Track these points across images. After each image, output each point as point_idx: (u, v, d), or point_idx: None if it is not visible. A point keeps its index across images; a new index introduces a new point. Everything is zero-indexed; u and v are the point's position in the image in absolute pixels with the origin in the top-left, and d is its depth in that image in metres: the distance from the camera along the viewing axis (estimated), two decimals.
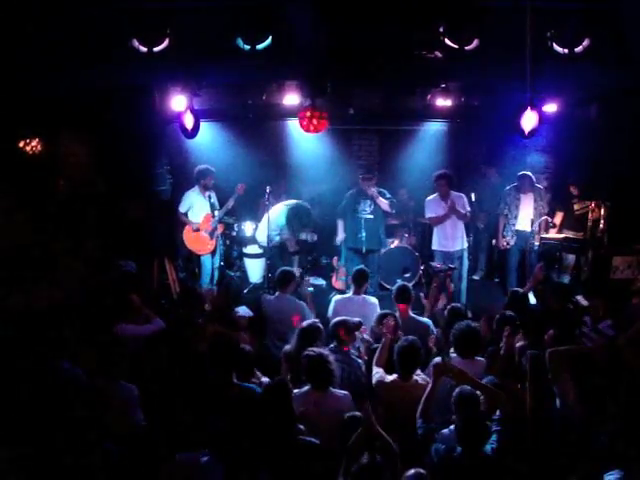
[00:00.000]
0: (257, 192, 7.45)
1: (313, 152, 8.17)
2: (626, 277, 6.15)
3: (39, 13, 4.92)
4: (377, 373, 4.04)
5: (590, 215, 6.86)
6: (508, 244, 7.23)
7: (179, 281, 7.40)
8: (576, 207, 7.12)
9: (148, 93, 6.98)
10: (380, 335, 4.53)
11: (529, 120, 5.22)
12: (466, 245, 6.77)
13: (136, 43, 5.32)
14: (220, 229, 7.06)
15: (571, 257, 7.18)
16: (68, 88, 5.82)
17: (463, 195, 6.75)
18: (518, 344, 4.29)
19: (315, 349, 3.93)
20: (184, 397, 3.59)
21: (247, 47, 5.31)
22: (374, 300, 5.51)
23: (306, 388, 3.83)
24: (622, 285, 5.89)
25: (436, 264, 6.93)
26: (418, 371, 4.03)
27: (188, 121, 5.66)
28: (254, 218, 7.74)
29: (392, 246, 7.64)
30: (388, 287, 7.34)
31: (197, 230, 6.98)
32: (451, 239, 6.85)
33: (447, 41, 5.30)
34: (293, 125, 7.44)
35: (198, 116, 5.71)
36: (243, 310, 6.10)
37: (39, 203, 6.00)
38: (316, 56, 5.44)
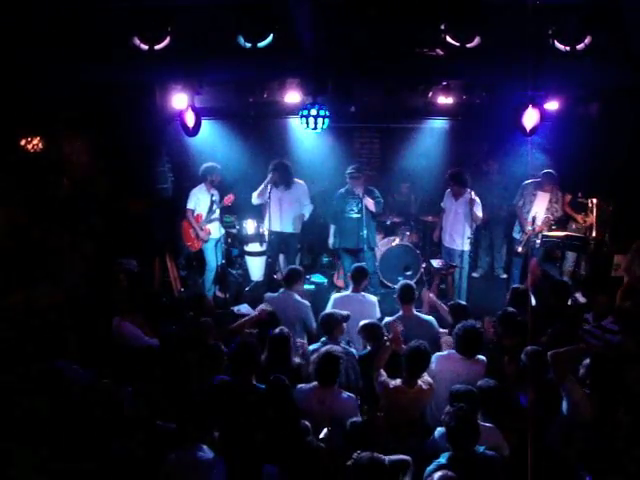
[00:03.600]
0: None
1: (314, 150, 8.16)
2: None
3: (40, 12, 4.92)
4: (380, 376, 4.03)
5: (586, 216, 6.88)
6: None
7: (180, 279, 7.41)
8: (579, 195, 7.14)
9: (149, 91, 6.99)
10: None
11: (530, 118, 5.22)
12: (467, 248, 6.73)
13: (137, 41, 5.32)
14: (206, 232, 7.02)
15: (571, 256, 7.17)
16: (69, 87, 5.83)
17: (476, 199, 6.64)
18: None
19: (327, 347, 3.99)
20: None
21: (248, 45, 5.31)
22: (373, 298, 5.52)
23: (313, 384, 3.88)
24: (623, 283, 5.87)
25: (437, 262, 6.94)
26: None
27: (189, 119, 5.66)
28: (255, 216, 7.74)
29: (393, 244, 7.64)
30: (389, 285, 7.35)
31: (196, 235, 7.00)
32: (448, 235, 6.89)
33: (448, 38, 5.30)
34: (294, 123, 7.43)
35: (199, 114, 5.71)
36: (245, 308, 6.12)
37: (41, 201, 6.01)
38: (317, 54, 5.44)
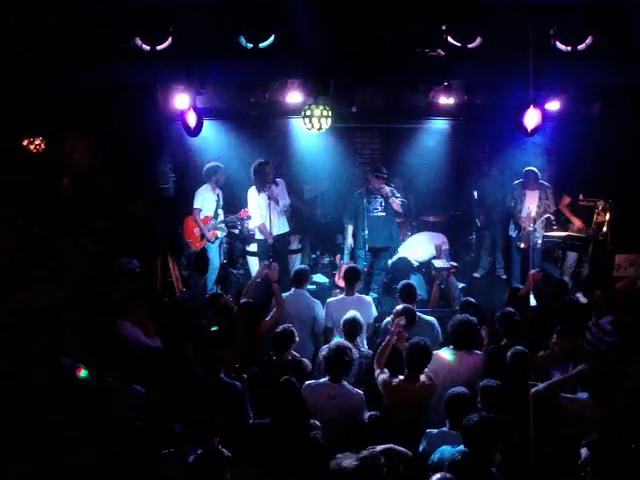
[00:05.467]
0: None
1: (315, 150, 8.16)
2: (629, 275, 6.13)
3: (42, 13, 4.94)
4: (382, 374, 4.02)
5: (595, 218, 6.85)
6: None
7: (182, 279, 7.42)
8: (581, 197, 7.14)
9: (151, 91, 6.99)
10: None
11: (532, 118, 5.20)
12: None
13: (139, 42, 5.34)
14: (213, 235, 7.03)
15: (572, 256, 7.16)
16: (71, 87, 5.85)
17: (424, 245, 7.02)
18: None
19: (339, 341, 4.04)
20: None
21: (250, 45, 5.33)
22: (368, 299, 5.47)
23: (323, 380, 3.91)
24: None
25: (439, 262, 6.94)
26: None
27: (191, 119, 5.66)
28: None
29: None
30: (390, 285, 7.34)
31: (203, 236, 7.01)
32: None
33: (450, 39, 5.30)
34: (296, 123, 7.44)
35: (201, 114, 5.72)
36: None
37: (43, 201, 6.03)
38: (318, 54, 5.45)
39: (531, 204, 7.06)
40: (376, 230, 6.80)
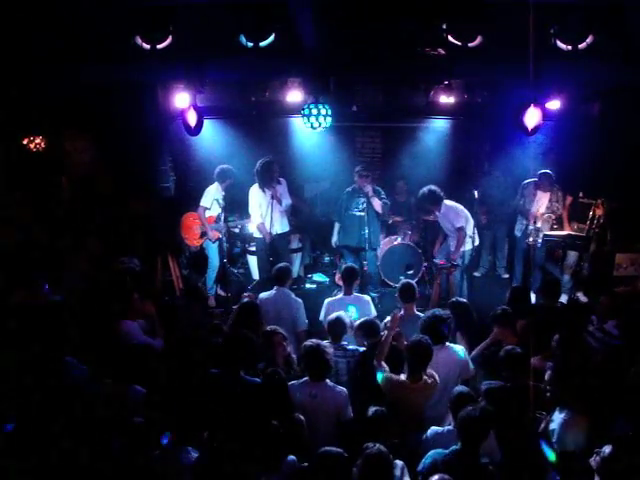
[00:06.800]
0: None
1: (316, 149, 8.16)
2: (629, 274, 6.13)
3: (41, 12, 4.93)
4: (383, 371, 4.02)
5: (593, 210, 6.86)
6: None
7: (182, 278, 7.42)
8: (580, 194, 7.15)
9: (151, 90, 7.00)
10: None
11: (532, 117, 5.21)
12: (468, 247, 6.75)
13: (139, 41, 5.34)
14: (215, 236, 7.04)
15: (572, 255, 7.17)
16: (71, 86, 5.85)
17: (455, 207, 6.69)
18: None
19: (313, 340, 4.02)
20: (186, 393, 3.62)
21: (250, 44, 5.33)
22: (367, 298, 5.46)
23: (304, 379, 3.92)
24: (625, 282, 5.87)
25: (439, 261, 6.94)
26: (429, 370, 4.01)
27: (191, 118, 5.66)
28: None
29: (395, 243, 7.65)
30: (390, 284, 7.35)
31: (204, 234, 7.00)
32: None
33: (450, 38, 5.30)
34: (296, 122, 7.43)
35: (201, 113, 5.72)
36: None
37: (43, 201, 6.03)
38: (319, 53, 5.44)
39: (541, 204, 7.07)
40: (351, 229, 6.81)
